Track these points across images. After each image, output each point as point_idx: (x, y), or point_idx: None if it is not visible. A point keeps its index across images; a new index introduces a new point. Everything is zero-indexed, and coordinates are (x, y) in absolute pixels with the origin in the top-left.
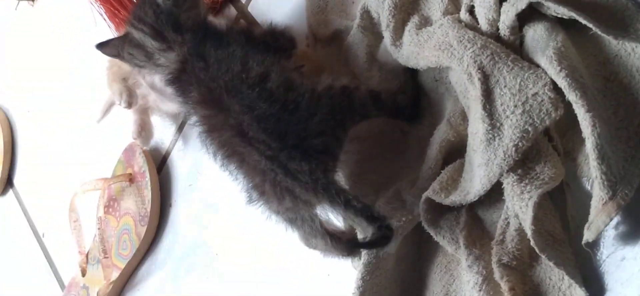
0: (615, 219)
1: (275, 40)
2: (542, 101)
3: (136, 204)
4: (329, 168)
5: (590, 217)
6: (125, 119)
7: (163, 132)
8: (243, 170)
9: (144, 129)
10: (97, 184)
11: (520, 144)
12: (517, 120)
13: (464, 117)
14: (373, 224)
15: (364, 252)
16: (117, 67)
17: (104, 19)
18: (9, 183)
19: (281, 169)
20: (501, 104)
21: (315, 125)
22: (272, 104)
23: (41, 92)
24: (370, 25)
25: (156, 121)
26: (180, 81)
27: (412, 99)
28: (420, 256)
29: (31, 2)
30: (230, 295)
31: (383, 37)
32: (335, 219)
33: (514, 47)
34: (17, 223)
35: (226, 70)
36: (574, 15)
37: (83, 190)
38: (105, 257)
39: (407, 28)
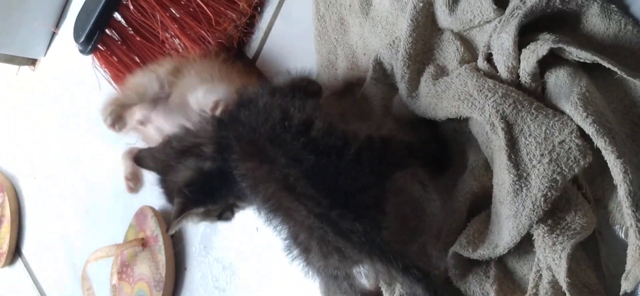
0: None
1: (303, 87)
2: (569, 148)
3: (150, 270)
4: (381, 225)
5: (627, 266)
6: None
7: None
8: (288, 225)
9: (134, 177)
10: (110, 250)
11: (549, 194)
12: (544, 169)
13: (487, 168)
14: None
15: None
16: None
17: (109, 82)
18: (17, 252)
19: (332, 228)
20: (527, 154)
21: (363, 179)
22: (320, 157)
23: (47, 157)
24: (383, 76)
25: None
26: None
27: (441, 148)
28: None
29: (32, 67)
30: None
31: (397, 89)
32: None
33: (536, 95)
34: (27, 293)
35: (265, 119)
36: (597, 59)
37: (95, 257)
38: None
39: (423, 79)
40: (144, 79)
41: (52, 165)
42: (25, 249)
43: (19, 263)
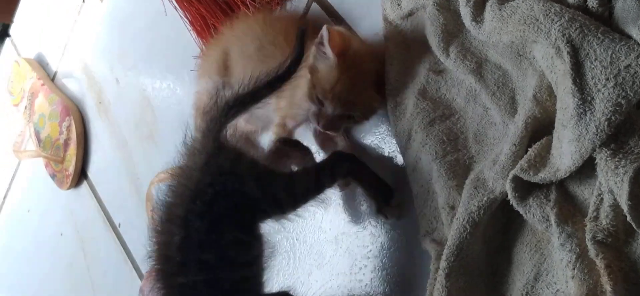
0: None
1: None
2: (635, 73)
3: None
4: None
5: None
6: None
7: None
8: None
9: None
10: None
11: (613, 118)
12: (609, 93)
13: (550, 93)
14: None
15: (450, 236)
16: None
17: (175, 8)
18: (83, 174)
19: None
20: (592, 78)
21: None
22: None
23: (112, 83)
24: (446, 2)
25: None
26: None
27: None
28: (508, 236)
29: None
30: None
31: (459, 15)
32: None
33: (603, 19)
34: (92, 214)
35: None
36: None
37: (159, 179)
38: None
39: (488, 3)
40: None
41: (118, 91)
42: (91, 171)
43: (84, 185)
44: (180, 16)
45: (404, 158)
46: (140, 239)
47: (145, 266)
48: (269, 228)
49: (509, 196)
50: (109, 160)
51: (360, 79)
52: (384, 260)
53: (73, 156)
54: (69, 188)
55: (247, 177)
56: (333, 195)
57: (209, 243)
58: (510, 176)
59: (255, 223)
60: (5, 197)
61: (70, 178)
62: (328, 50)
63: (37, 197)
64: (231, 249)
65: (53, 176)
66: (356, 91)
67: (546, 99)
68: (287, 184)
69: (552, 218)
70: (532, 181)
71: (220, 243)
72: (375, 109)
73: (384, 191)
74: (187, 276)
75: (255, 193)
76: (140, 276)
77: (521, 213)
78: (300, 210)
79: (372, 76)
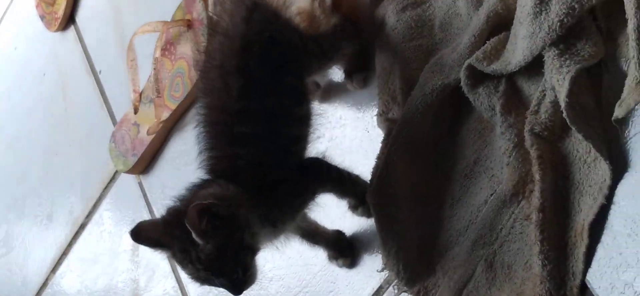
0: None
1: None
2: None
3: (191, 50)
4: None
5: (623, 95)
6: None
7: None
8: None
9: None
10: (157, 26)
11: (565, 20)
12: None
13: None
14: None
15: (402, 113)
16: None
17: None
18: (71, 19)
19: None
20: None
21: None
22: None
23: None
24: None
25: None
26: None
27: None
28: (455, 121)
29: None
30: None
31: None
32: None
33: None
34: (75, 58)
35: None
36: None
37: (143, 30)
38: (158, 96)
39: None
40: None
41: None
42: (79, 17)
43: (71, 29)
44: None
45: (375, 42)
46: (119, 87)
47: (120, 113)
48: None
49: (462, 83)
50: (98, 8)
51: None
52: (341, 132)
53: (64, 0)
54: (56, 31)
55: (289, 29)
56: None
57: (270, 87)
58: (466, 64)
59: (303, 74)
60: None
61: (59, 20)
62: None
63: (25, 36)
64: (289, 96)
65: (42, 17)
66: None
67: None
68: (315, 41)
69: (498, 108)
70: (484, 71)
71: (279, 88)
72: None
73: (358, 61)
74: (249, 125)
75: (299, 44)
76: (114, 122)
77: (470, 100)
78: None
79: None
